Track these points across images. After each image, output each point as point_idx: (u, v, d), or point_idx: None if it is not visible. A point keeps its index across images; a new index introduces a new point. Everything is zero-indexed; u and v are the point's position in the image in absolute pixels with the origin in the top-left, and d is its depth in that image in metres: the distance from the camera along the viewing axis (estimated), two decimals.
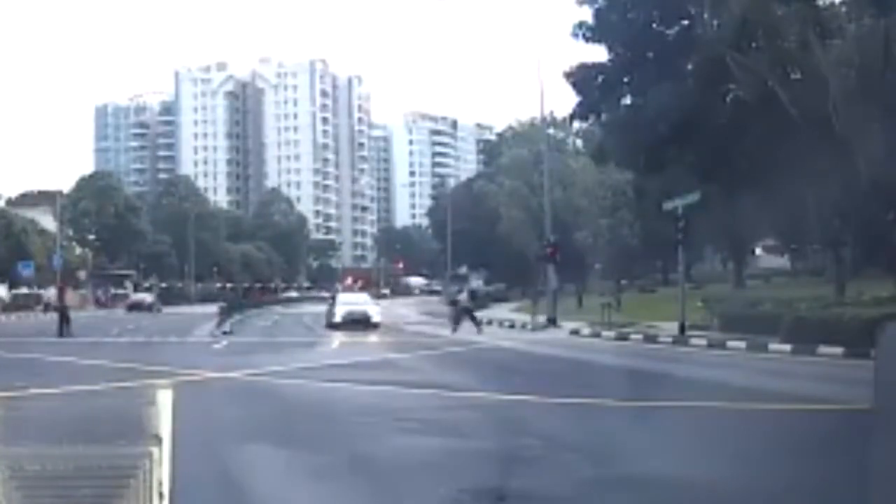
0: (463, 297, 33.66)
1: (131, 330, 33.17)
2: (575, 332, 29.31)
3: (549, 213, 38.08)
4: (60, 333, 28.10)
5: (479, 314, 42.48)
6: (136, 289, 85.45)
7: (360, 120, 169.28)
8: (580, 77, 34.52)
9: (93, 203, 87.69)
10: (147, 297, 63.45)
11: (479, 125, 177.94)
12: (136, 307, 57.16)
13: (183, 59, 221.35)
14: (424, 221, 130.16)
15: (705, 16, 31.56)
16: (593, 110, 36.65)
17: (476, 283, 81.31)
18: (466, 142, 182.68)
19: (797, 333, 20.22)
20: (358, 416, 10.87)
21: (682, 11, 32.91)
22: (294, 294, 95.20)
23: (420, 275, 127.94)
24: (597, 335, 27.76)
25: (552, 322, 33.65)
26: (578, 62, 34.81)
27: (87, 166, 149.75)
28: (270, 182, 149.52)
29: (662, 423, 10.20)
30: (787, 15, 28.48)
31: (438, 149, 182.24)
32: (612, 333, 27.12)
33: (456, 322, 31.16)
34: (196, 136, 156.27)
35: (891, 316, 14.76)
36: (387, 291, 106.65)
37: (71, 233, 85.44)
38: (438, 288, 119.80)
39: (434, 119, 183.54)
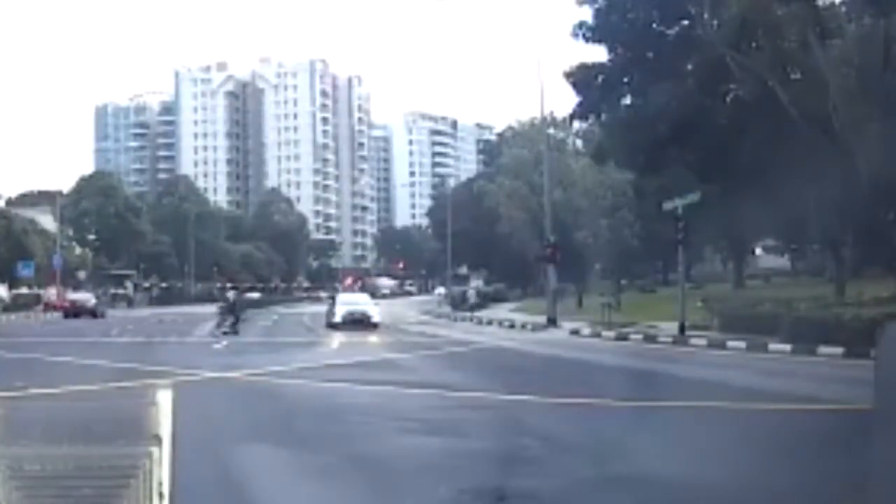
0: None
1: (131, 330, 33.16)
2: (575, 332, 29.31)
3: (549, 214, 38.04)
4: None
5: (479, 314, 42.63)
6: (137, 288, 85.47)
7: (360, 120, 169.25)
8: (580, 77, 34.51)
9: (93, 203, 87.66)
10: (256, 296, 78.38)
11: (479, 125, 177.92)
12: None
13: (183, 59, 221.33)
14: (424, 221, 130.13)
15: (705, 16, 31.52)
16: (593, 110, 36.64)
17: (476, 282, 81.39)
18: (466, 142, 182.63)
19: (797, 333, 20.22)
20: (358, 416, 10.87)
21: (682, 11, 32.88)
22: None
23: (390, 275, 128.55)
24: (597, 335, 27.77)
25: (552, 322, 33.66)
26: (578, 62, 34.83)
27: (87, 166, 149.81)
28: (270, 182, 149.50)
29: (662, 424, 10.20)
30: (787, 15, 28.46)
31: (438, 149, 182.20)
32: (612, 333, 27.13)
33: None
34: (196, 136, 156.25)
35: (891, 316, 14.77)
36: (386, 291, 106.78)
37: (71, 233, 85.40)
38: (411, 289, 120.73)
39: (434, 119, 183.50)
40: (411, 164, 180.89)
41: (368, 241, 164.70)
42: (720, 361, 19.04)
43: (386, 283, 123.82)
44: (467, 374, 17.23)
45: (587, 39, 33.45)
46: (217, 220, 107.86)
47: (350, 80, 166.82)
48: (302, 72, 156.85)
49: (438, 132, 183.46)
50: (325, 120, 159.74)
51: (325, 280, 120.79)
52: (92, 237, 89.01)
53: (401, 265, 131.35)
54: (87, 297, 50.18)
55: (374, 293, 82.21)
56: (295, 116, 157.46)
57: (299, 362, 18.42)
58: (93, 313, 45.21)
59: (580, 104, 35.72)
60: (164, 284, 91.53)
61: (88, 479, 3.04)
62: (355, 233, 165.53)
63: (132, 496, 3.05)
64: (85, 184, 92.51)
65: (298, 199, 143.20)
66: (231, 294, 33.32)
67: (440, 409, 11.78)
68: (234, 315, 30.71)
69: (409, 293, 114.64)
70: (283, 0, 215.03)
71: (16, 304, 58.42)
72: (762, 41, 29.88)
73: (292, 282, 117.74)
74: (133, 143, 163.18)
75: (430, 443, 8.99)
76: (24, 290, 64.37)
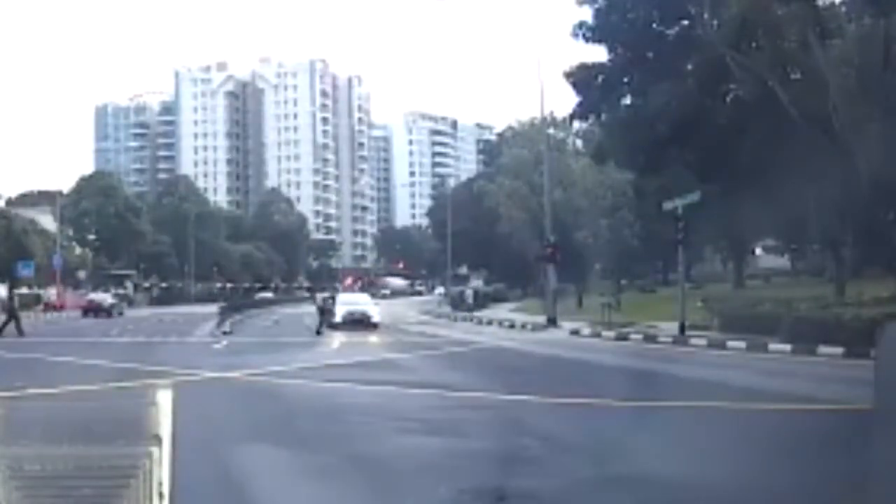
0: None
1: (131, 330, 33.18)
2: (575, 332, 29.31)
3: (549, 213, 38.05)
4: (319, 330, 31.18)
5: (479, 314, 42.73)
6: (137, 288, 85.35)
7: (360, 120, 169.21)
8: (580, 77, 34.51)
9: (93, 203, 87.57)
10: (270, 295, 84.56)
11: (479, 125, 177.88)
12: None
13: (183, 59, 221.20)
14: (424, 221, 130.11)
15: (705, 16, 31.52)
16: (593, 110, 36.64)
17: (475, 282, 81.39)
18: (466, 142, 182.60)
19: (797, 333, 20.22)
20: (358, 416, 10.88)
21: (682, 11, 32.88)
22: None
23: (400, 275, 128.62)
24: (597, 335, 27.76)
25: (552, 322, 33.65)
26: (578, 62, 34.83)
27: (87, 166, 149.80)
28: (270, 182, 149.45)
29: (662, 424, 10.21)
30: (787, 15, 28.46)
31: (438, 149, 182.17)
32: (612, 333, 27.13)
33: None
34: (196, 136, 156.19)
35: (891, 316, 14.77)
36: (387, 292, 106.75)
37: (71, 233, 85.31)
38: (420, 288, 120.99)
39: (434, 119, 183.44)
40: (411, 164, 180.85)
41: (368, 241, 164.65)
42: (720, 361, 19.04)
43: (398, 282, 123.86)
44: (467, 374, 17.23)
45: (587, 39, 33.45)
46: (217, 220, 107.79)
47: (350, 80, 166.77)
48: (302, 72, 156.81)
49: (438, 132, 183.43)
50: (325, 120, 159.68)
51: (325, 280, 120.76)
52: (92, 237, 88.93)
53: (401, 265, 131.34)
54: (104, 298, 54.66)
55: (377, 293, 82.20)
56: (295, 116, 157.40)
57: (299, 362, 18.43)
58: (108, 312, 49.43)
59: (580, 104, 35.71)
60: (164, 284, 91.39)
61: (88, 479, 3.03)
62: (355, 233, 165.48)
63: (132, 496, 3.05)
64: (85, 184, 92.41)
65: (298, 199, 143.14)
66: (319, 296, 36.05)
67: (440, 409, 11.78)
68: (322, 315, 32.44)
69: (419, 293, 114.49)
70: (283, 0, 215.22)
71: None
72: (762, 41, 29.87)
73: (292, 282, 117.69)
74: (133, 143, 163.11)
75: (431, 443, 8.99)
76: (24, 290, 64.25)
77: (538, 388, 13.55)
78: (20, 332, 27.98)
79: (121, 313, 51.21)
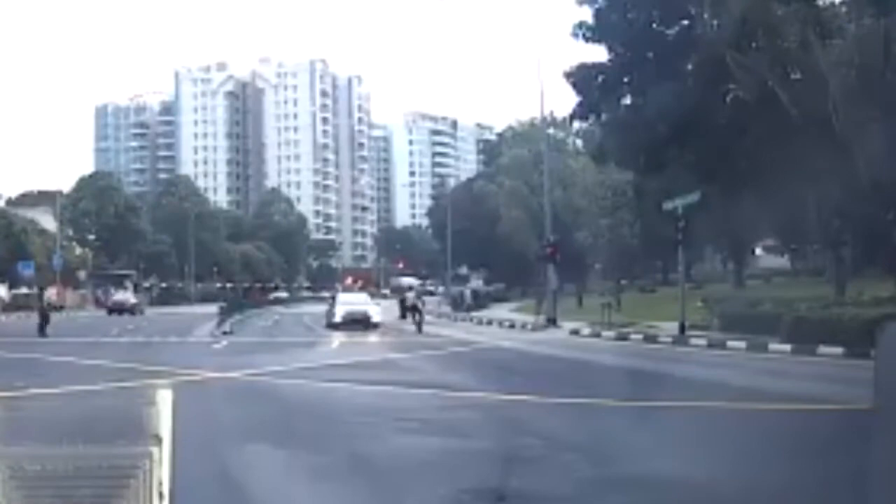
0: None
1: (131, 330, 33.17)
2: (575, 332, 29.32)
3: (549, 213, 38.07)
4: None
5: (479, 314, 42.72)
6: (137, 289, 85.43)
7: (360, 120, 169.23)
8: (580, 77, 34.47)
9: (93, 203, 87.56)
10: (284, 295, 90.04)
11: (479, 125, 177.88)
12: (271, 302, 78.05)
13: (183, 59, 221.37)
14: (424, 221, 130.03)
15: (705, 16, 31.49)
16: (593, 110, 36.57)
17: (474, 282, 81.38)
18: (466, 142, 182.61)
19: (797, 333, 20.23)
20: (358, 416, 10.88)
21: (682, 11, 32.86)
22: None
23: (413, 275, 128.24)
24: (597, 335, 27.77)
25: (552, 322, 33.65)
26: (578, 62, 34.77)
27: (87, 166, 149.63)
28: (270, 182, 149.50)
29: (662, 424, 10.20)
30: (787, 15, 28.44)
31: (438, 149, 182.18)
32: (612, 333, 27.13)
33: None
34: (196, 136, 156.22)
35: (891, 316, 14.76)
36: (387, 291, 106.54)
37: (71, 233, 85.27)
38: (431, 288, 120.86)
39: (434, 119, 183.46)
40: (411, 164, 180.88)
41: (368, 241, 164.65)
42: (720, 361, 19.05)
43: (410, 282, 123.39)
44: (467, 374, 17.23)
45: (587, 39, 33.40)
46: (217, 220, 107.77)
47: (350, 80, 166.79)
48: (302, 72, 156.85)
49: (438, 132, 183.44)
50: (325, 120, 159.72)
51: (325, 280, 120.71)
52: (92, 237, 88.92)
53: (401, 265, 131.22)
54: (127, 297, 57.74)
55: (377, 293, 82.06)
56: (295, 116, 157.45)
57: (299, 362, 18.44)
58: (132, 311, 52.37)
59: (580, 104, 35.65)
60: (164, 284, 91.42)
61: (88, 479, 3.03)
62: (355, 233, 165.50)
63: (132, 496, 3.05)
64: (85, 184, 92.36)
65: (298, 199, 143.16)
66: (410, 295, 37.99)
67: (440, 409, 11.78)
68: (415, 314, 33.58)
69: (430, 292, 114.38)
70: (283, 0, 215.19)
71: (15, 304, 58.32)
72: (762, 41, 29.84)
73: (292, 282, 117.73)
74: (133, 143, 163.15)
75: (430, 443, 8.99)
76: (24, 290, 64.21)
77: (538, 388, 13.56)
78: (43, 333, 28.26)
79: (142, 312, 53.98)
